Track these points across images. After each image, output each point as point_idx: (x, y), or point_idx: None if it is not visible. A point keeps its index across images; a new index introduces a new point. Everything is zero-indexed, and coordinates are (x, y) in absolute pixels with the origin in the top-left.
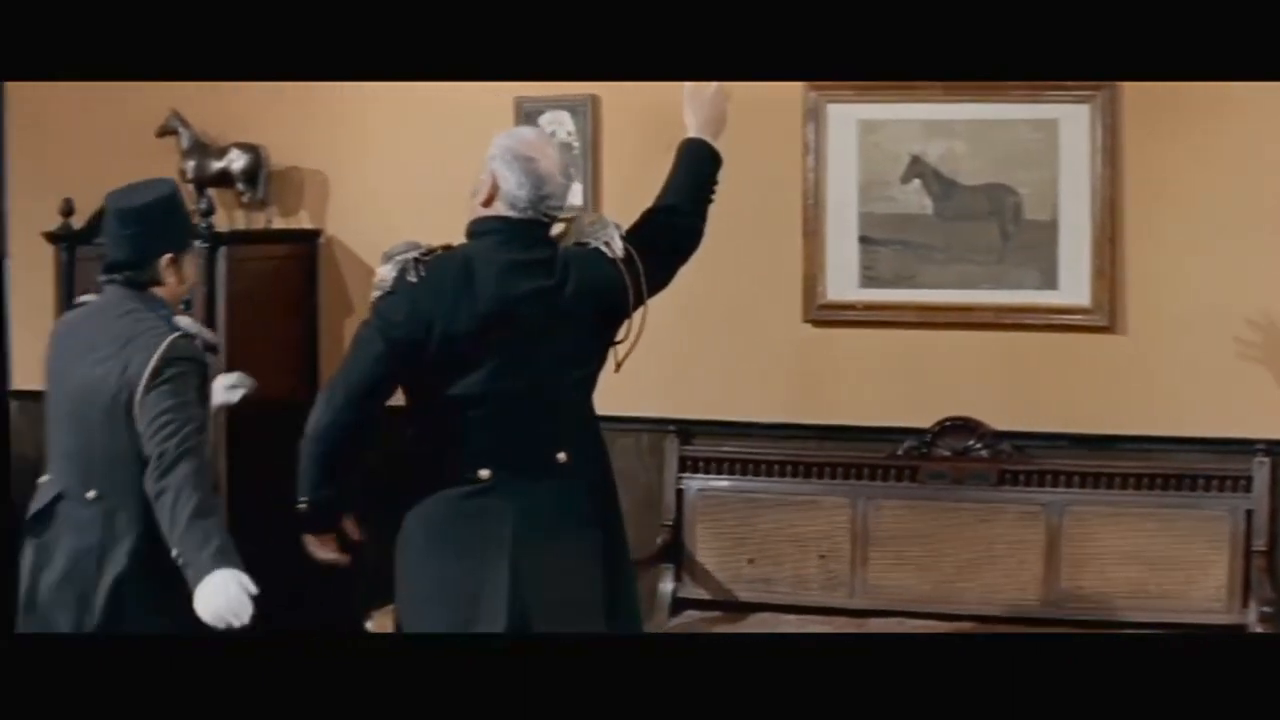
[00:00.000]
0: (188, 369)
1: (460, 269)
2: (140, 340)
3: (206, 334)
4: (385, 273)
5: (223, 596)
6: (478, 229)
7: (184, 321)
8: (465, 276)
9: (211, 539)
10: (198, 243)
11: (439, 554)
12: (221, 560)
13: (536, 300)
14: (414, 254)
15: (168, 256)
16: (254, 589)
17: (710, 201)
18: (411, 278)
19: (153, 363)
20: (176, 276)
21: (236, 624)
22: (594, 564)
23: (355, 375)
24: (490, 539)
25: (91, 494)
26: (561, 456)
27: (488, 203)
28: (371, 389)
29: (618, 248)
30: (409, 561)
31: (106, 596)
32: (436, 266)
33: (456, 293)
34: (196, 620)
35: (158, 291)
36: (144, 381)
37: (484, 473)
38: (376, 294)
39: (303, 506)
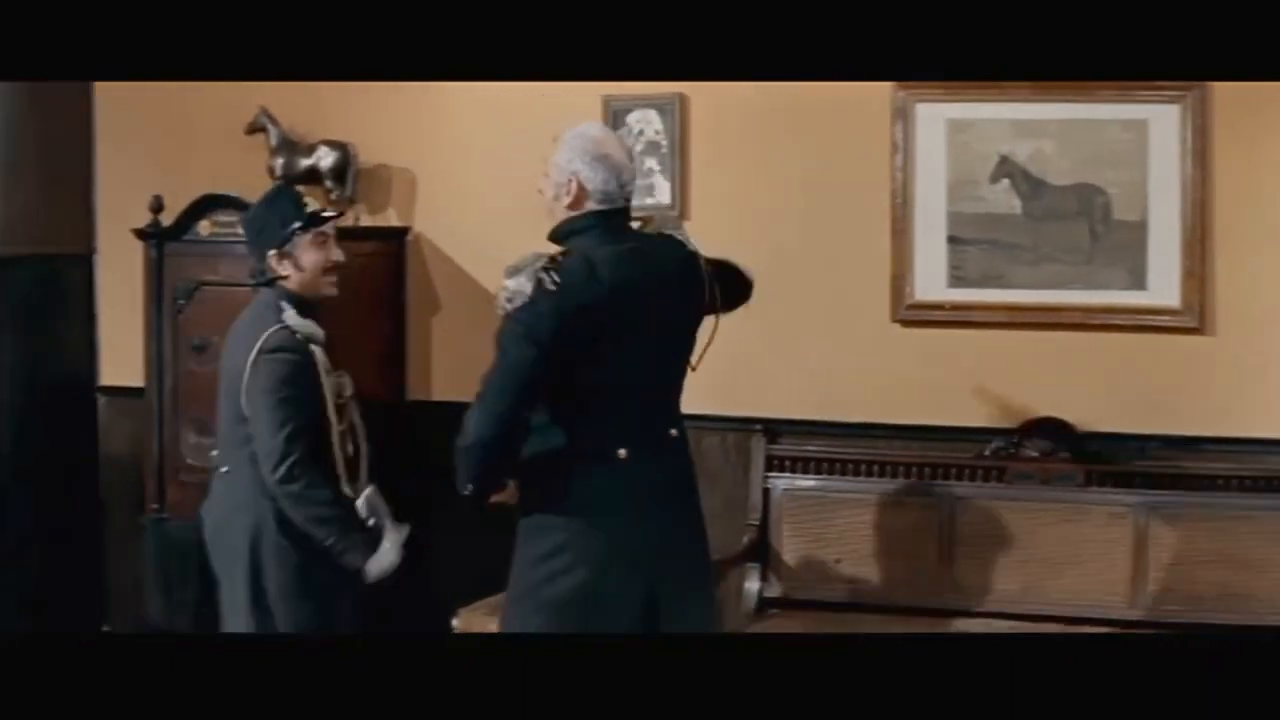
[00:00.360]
0: (282, 359)
1: (586, 267)
2: (253, 333)
3: (308, 328)
4: (519, 284)
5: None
6: (574, 227)
7: (288, 315)
8: (592, 273)
9: (329, 536)
10: (296, 228)
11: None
12: (363, 550)
13: (650, 285)
14: (542, 263)
15: (272, 253)
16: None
17: (745, 299)
18: (550, 286)
19: (253, 353)
20: (292, 267)
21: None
22: (706, 543)
23: (515, 382)
24: (629, 519)
25: (224, 469)
26: (674, 433)
27: (575, 204)
28: (531, 392)
29: (694, 243)
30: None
31: (246, 559)
32: (566, 270)
33: (589, 289)
34: (327, 576)
35: (287, 284)
36: (247, 370)
37: (622, 452)
38: (515, 303)
39: (468, 493)
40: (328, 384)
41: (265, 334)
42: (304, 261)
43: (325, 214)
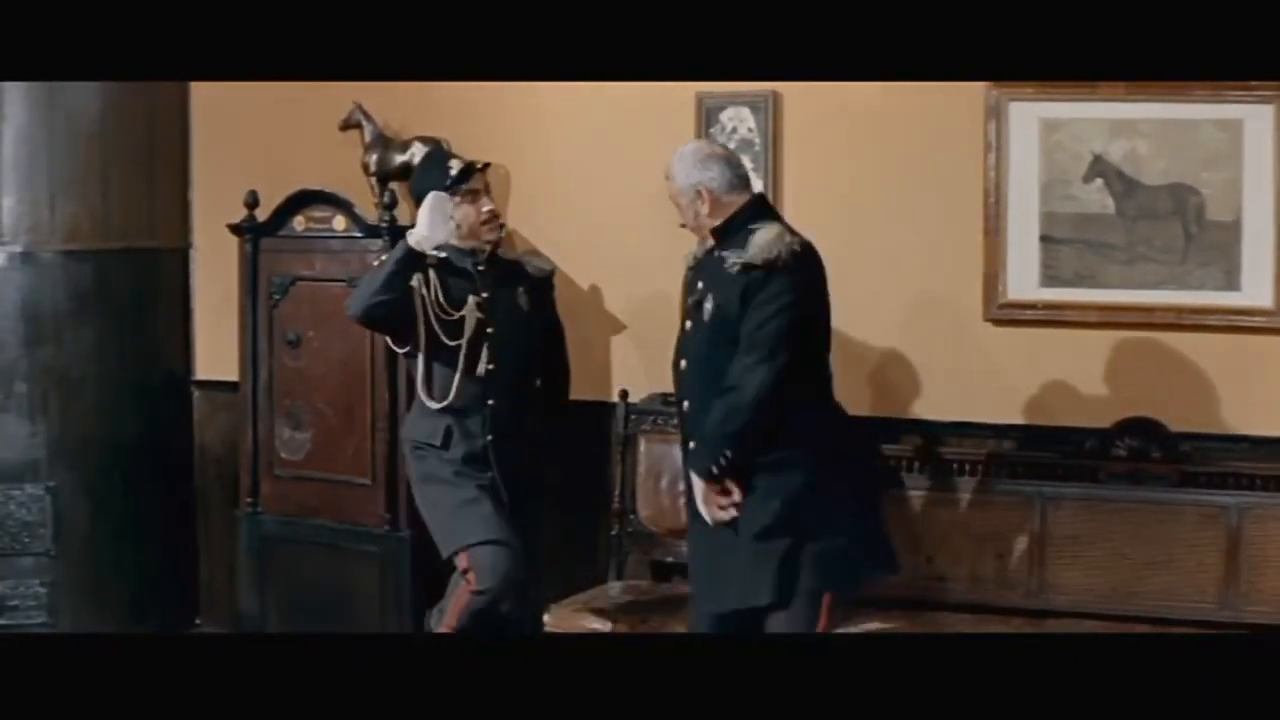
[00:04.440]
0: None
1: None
2: None
3: (423, 242)
4: (786, 243)
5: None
6: (749, 215)
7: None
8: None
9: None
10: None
11: None
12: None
13: None
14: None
15: None
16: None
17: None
18: (796, 247)
19: None
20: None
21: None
22: None
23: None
24: None
25: None
26: None
27: (714, 208)
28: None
29: None
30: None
31: None
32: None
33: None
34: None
35: (453, 237)
36: None
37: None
38: (789, 252)
39: (723, 463)
40: (416, 297)
41: None
42: (458, 218)
43: (471, 169)
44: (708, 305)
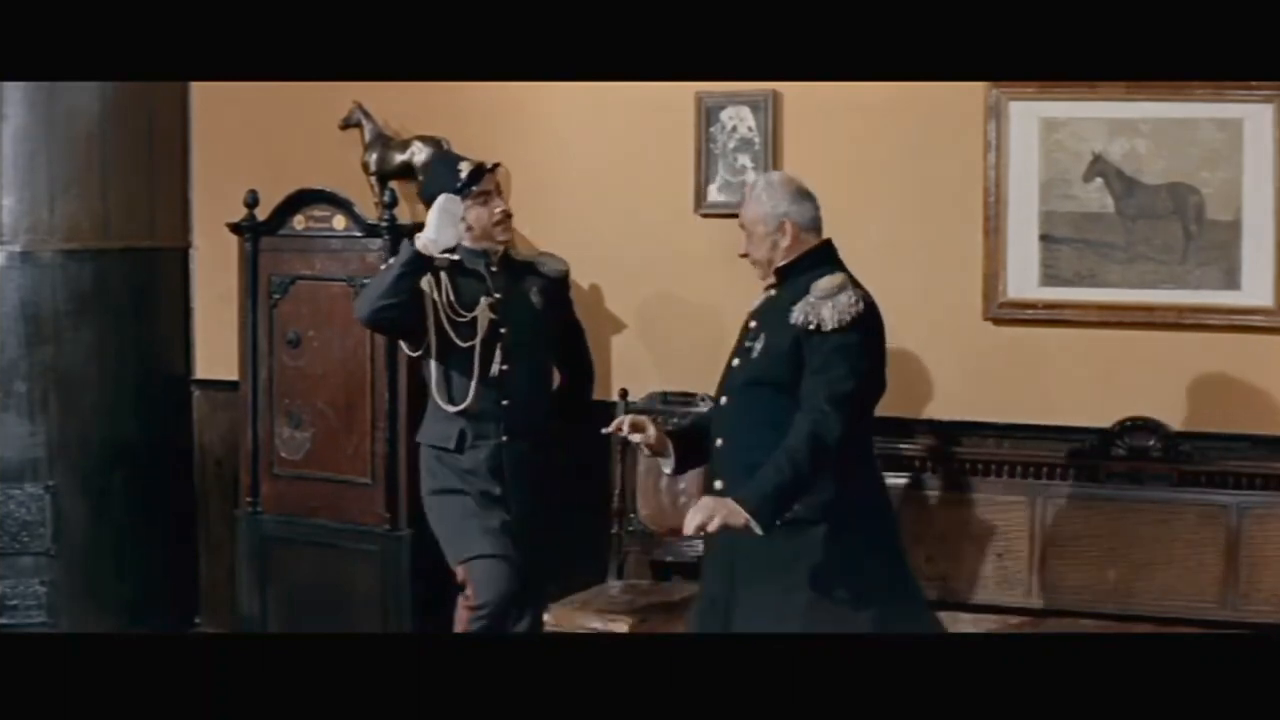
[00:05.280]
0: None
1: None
2: None
3: (430, 246)
4: (852, 297)
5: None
6: (812, 260)
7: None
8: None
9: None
10: (445, 197)
11: None
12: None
13: None
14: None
15: None
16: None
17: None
18: (861, 305)
19: None
20: (464, 227)
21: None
22: None
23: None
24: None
25: None
26: None
27: (794, 242)
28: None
29: None
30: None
31: None
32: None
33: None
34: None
35: (463, 240)
36: None
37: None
38: (854, 314)
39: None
40: (427, 300)
41: None
42: (470, 220)
43: (481, 171)
44: (758, 345)
